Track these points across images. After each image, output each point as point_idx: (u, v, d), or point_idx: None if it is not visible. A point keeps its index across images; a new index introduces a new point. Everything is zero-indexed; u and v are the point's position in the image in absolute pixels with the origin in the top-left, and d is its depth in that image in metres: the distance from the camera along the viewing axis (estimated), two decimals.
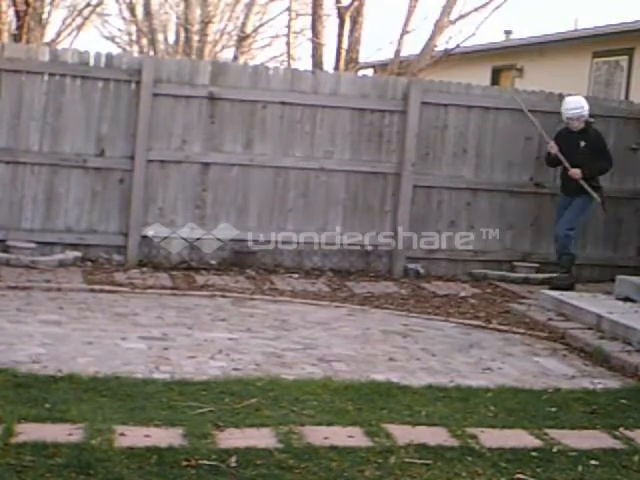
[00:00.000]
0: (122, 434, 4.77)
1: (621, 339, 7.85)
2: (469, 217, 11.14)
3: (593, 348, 7.65)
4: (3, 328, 7.08)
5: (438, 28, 16.57)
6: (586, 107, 10.23)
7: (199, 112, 10.40)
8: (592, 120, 10.32)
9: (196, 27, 25.03)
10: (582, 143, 10.20)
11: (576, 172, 10.17)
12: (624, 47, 15.09)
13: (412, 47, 20.95)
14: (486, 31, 65.47)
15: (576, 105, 10.23)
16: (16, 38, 17.42)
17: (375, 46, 43.55)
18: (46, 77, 10.04)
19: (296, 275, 10.41)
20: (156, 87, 10.21)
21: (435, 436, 5.13)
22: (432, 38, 16.66)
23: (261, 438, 4.91)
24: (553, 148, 10.33)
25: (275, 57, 25.38)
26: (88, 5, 22.25)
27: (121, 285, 9.20)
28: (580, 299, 9.17)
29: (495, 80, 18.45)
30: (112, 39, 27.89)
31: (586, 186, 10.18)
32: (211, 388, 5.76)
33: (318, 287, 9.96)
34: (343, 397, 5.78)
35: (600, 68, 15.80)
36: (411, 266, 10.88)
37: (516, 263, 11.19)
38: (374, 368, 6.75)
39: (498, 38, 21.60)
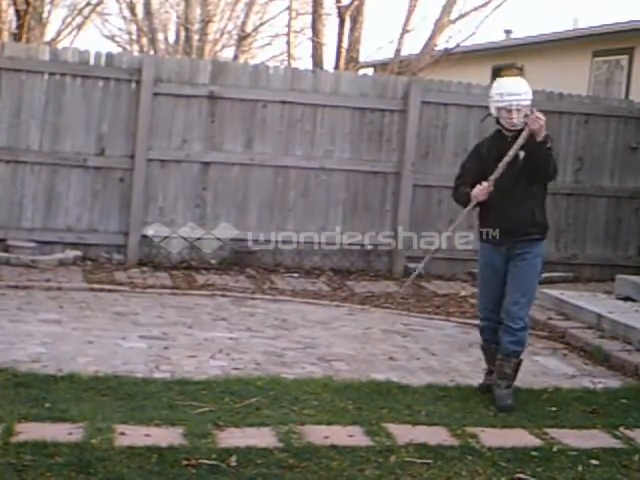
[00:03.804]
0: (122, 433, 4.77)
1: (621, 338, 7.85)
2: (469, 217, 11.07)
3: (593, 347, 7.65)
4: (3, 327, 7.08)
5: (438, 27, 16.55)
6: (530, 94, 6.21)
7: (199, 111, 10.40)
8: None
9: (196, 26, 24.99)
10: (521, 154, 6.18)
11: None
12: (624, 46, 15.08)
13: (412, 46, 20.98)
14: (486, 30, 65.45)
15: (518, 90, 6.23)
16: (16, 37, 17.40)
17: (375, 45, 43.59)
18: (46, 76, 10.04)
19: (296, 274, 10.41)
20: (156, 86, 10.21)
21: (435, 435, 5.13)
22: (432, 37, 16.65)
23: (261, 437, 4.90)
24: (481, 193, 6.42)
25: (275, 56, 25.37)
26: (88, 4, 22.20)
27: (121, 284, 9.20)
28: (580, 298, 9.17)
29: (495, 80, 18.42)
30: (112, 38, 27.86)
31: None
32: (211, 387, 5.76)
33: (318, 286, 9.96)
34: (343, 396, 5.78)
35: (600, 67, 15.79)
36: (411, 265, 10.87)
37: None
38: (374, 367, 6.75)
39: (498, 37, 21.58)
